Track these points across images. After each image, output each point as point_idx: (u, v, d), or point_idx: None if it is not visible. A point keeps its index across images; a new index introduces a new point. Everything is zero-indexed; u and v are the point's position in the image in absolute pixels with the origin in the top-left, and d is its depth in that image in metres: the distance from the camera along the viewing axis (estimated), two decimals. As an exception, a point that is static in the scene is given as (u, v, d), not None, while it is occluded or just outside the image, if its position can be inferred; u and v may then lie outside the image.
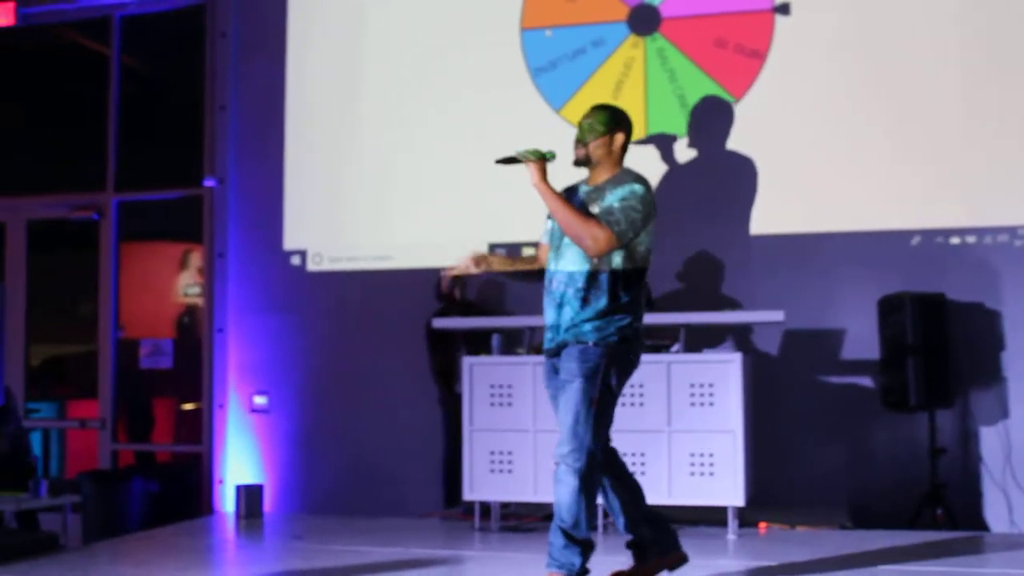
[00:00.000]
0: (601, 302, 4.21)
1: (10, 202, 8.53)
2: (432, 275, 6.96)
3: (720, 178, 6.90)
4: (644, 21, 7.09)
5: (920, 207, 6.58)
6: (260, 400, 7.58)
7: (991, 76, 6.56)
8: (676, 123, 6.98)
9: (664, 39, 7.03)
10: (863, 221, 6.64)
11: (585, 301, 4.20)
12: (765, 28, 6.88)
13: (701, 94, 6.93)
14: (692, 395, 5.81)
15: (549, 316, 4.31)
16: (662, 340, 6.05)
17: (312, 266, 7.58)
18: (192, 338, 8.21)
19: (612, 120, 4.40)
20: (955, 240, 6.55)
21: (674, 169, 6.93)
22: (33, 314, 8.40)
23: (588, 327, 4.19)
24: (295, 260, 7.61)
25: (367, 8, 7.63)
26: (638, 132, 5.94)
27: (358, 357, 7.38)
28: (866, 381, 6.58)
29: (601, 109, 4.45)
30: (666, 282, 6.79)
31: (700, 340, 6.15)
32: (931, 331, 6.17)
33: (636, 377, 5.78)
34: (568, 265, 4.26)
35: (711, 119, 6.90)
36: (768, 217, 6.80)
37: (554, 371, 4.32)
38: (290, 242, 7.64)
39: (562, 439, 4.15)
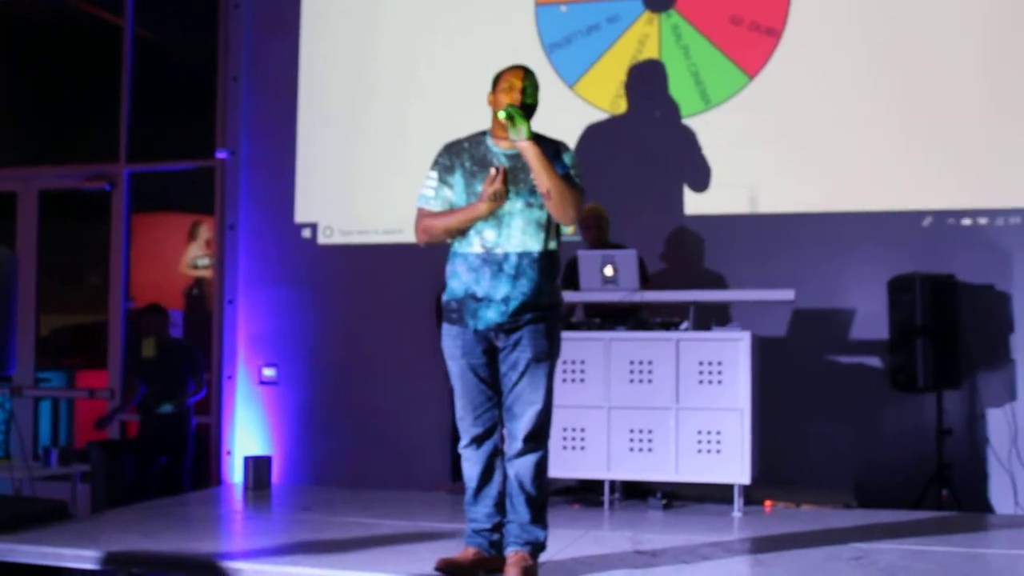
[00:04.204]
0: (551, 275, 4.10)
1: (22, 172, 8.55)
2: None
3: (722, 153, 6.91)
4: (659, -2, 7.08)
5: (932, 188, 6.58)
6: (269, 372, 7.61)
7: (1008, 58, 6.54)
8: (690, 100, 6.96)
9: (679, 16, 7.01)
10: (875, 201, 6.64)
11: (539, 274, 4.03)
12: (781, 5, 6.85)
13: (715, 71, 6.92)
14: (701, 373, 5.80)
15: (493, 288, 4.01)
16: (671, 317, 6.05)
17: (323, 239, 7.59)
18: (201, 310, 8.23)
19: None
20: (967, 222, 6.54)
21: (679, 142, 6.93)
22: (43, 284, 8.42)
23: (549, 304, 4.07)
24: (306, 233, 7.63)
25: (381, -18, 7.61)
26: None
27: (367, 330, 7.40)
28: (875, 361, 6.59)
29: (525, 67, 4.14)
30: (657, 260, 6.85)
31: (708, 318, 6.16)
32: (941, 312, 6.18)
33: (645, 354, 5.87)
34: (518, 234, 4.02)
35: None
36: (780, 196, 6.78)
37: (484, 342, 4.11)
38: (301, 215, 7.65)
39: (528, 419, 4.04)
